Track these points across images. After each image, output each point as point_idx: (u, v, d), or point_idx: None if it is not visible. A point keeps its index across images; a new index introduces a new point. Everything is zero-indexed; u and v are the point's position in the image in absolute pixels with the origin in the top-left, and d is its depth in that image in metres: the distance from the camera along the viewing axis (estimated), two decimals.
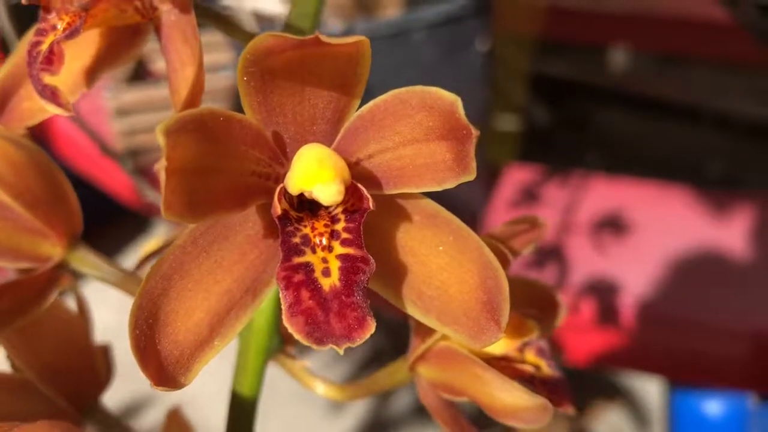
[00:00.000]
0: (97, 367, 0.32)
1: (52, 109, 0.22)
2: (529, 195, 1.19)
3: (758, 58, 0.91)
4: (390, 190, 0.20)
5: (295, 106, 0.19)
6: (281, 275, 0.18)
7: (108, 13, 0.22)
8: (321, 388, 0.28)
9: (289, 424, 1.23)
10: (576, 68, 2.05)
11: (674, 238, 1.03)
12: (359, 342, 0.17)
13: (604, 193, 1.17)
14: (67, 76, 0.24)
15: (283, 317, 0.17)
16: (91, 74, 0.25)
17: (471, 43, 0.87)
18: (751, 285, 0.96)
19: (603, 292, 0.96)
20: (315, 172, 0.18)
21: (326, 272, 0.18)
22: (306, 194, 0.18)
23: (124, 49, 0.25)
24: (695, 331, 0.92)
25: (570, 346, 0.98)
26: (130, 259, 1.65)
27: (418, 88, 0.18)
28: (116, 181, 1.30)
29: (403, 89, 0.18)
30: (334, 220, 0.19)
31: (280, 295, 0.18)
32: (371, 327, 0.17)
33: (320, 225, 0.18)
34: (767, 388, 0.92)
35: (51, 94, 0.22)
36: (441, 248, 0.20)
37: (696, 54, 1.89)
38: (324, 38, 0.16)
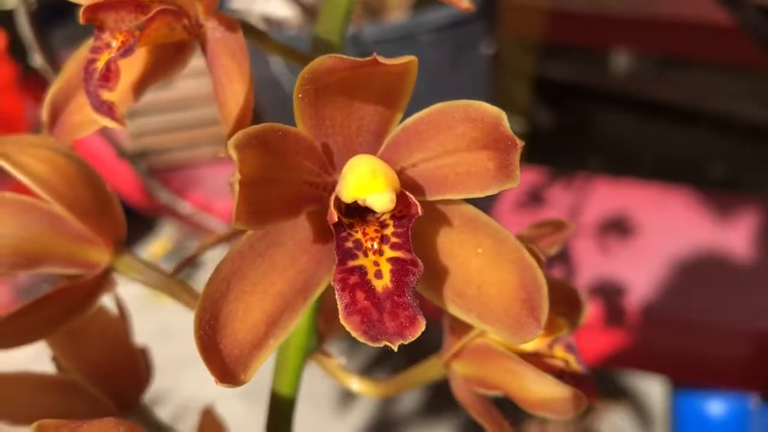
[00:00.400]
0: (137, 367, 0.33)
1: (108, 123, 0.23)
2: (534, 197, 1.20)
3: (759, 60, 0.92)
4: (432, 197, 0.21)
5: (344, 119, 0.21)
6: (338, 277, 0.19)
7: (159, 31, 0.24)
8: (356, 385, 0.29)
9: (297, 425, 1.24)
10: (579, 71, 2.06)
11: (677, 240, 1.04)
12: (411, 339, 0.18)
13: (607, 195, 1.18)
14: (118, 91, 0.25)
15: (341, 316, 0.19)
16: (140, 88, 0.26)
17: (476, 46, 0.89)
18: (753, 286, 0.97)
19: (606, 293, 0.97)
20: (369, 182, 0.19)
21: (378, 274, 0.19)
22: (360, 202, 0.19)
23: (170, 65, 0.26)
24: (698, 332, 0.93)
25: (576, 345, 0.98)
26: (142, 251, 1.67)
27: (462, 102, 0.19)
28: (123, 182, 1.31)
29: (447, 103, 0.20)
30: (383, 225, 0.20)
31: (337, 296, 0.19)
32: (422, 325, 0.19)
33: (371, 230, 0.20)
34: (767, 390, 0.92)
35: (108, 110, 0.23)
36: (480, 250, 0.21)
37: (697, 56, 1.90)
38: (381, 59, 0.18)
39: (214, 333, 0.20)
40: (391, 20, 0.85)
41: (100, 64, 0.23)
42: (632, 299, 0.95)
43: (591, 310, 0.96)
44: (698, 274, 1.00)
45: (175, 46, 0.26)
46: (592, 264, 1.02)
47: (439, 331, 0.27)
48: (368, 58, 0.18)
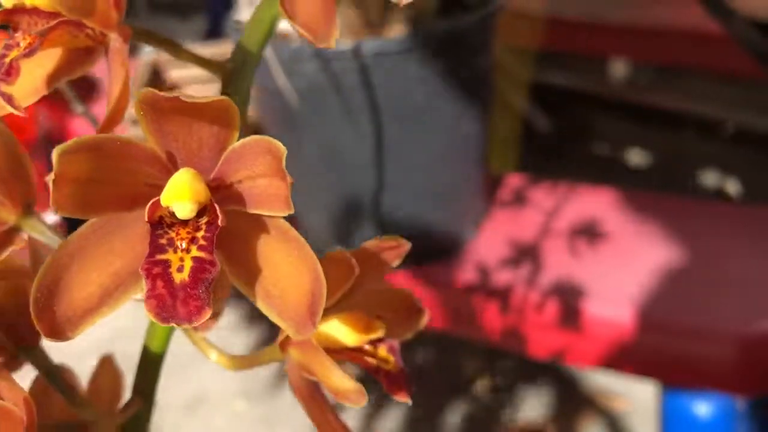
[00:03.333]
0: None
1: (9, 109, 0.28)
2: (527, 203, 1.23)
3: (754, 70, 0.95)
4: (252, 210, 0.26)
5: (185, 136, 0.25)
6: (144, 266, 0.23)
7: (63, 38, 0.28)
8: (214, 356, 0.34)
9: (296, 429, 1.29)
10: (576, 78, 2.07)
11: (662, 246, 1.07)
12: (196, 324, 0.23)
13: (598, 203, 1.20)
14: (30, 81, 0.30)
15: (144, 298, 0.23)
16: (51, 81, 0.31)
17: (474, 58, 0.92)
18: (738, 291, 1.00)
19: (596, 298, 1.00)
20: (177, 192, 0.23)
21: (180, 269, 0.24)
22: (170, 207, 0.24)
23: (79, 64, 0.31)
24: (684, 336, 0.96)
25: (566, 346, 1.02)
26: None
27: (266, 138, 0.24)
28: None
29: (260, 136, 0.24)
30: (196, 229, 0.24)
31: (144, 282, 0.23)
32: (207, 314, 0.23)
33: (184, 232, 0.24)
34: (754, 391, 0.95)
35: (8, 99, 0.27)
36: (288, 259, 0.26)
37: (693, 65, 1.90)
38: (184, 99, 0.22)
39: (51, 296, 0.25)
40: (391, 35, 0.88)
41: (8, 60, 0.28)
42: (622, 304, 0.98)
43: (579, 314, 0.99)
44: (686, 279, 1.03)
45: (85, 49, 0.30)
46: (582, 268, 1.05)
47: None
48: (173, 96, 0.22)
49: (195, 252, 0.24)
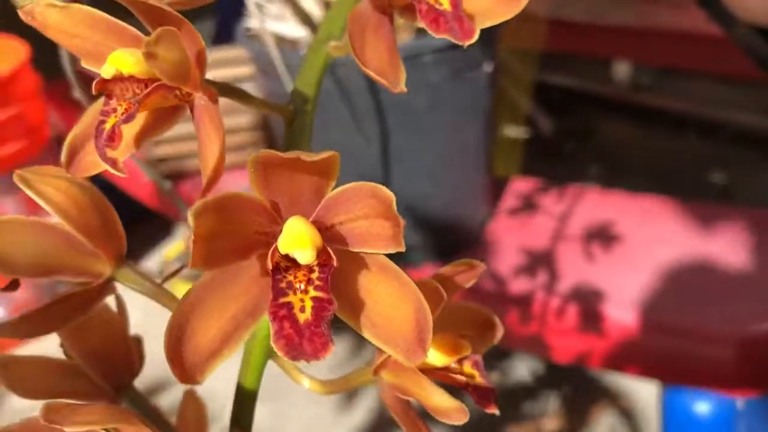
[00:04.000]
0: (131, 355, 0.40)
1: (112, 171, 0.30)
2: (531, 206, 1.25)
3: (755, 71, 0.97)
4: (354, 248, 0.28)
5: (288, 186, 0.27)
6: (271, 310, 0.26)
7: (156, 101, 0.30)
8: (306, 383, 0.36)
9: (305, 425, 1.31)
10: (580, 79, 2.09)
11: (666, 249, 1.09)
12: (323, 359, 0.25)
13: (600, 206, 1.22)
14: (123, 143, 0.32)
15: (272, 339, 0.25)
16: (140, 139, 0.33)
17: (478, 64, 0.94)
18: (738, 293, 1.02)
19: (599, 299, 1.02)
20: (297, 240, 0.25)
21: (302, 309, 0.26)
22: (290, 254, 0.26)
23: (165, 122, 0.33)
24: (685, 337, 0.98)
25: (573, 348, 1.04)
26: (155, 256, 1.76)
27: (371, 183, 0.26)
28: (141, 187, 1.39)
29: (361, 183, 0.26)
30: (311, 271, 0.26)
31: (270, 324, 0.25)
32: (331, 349, 0.25)
33: (300, 274, 0.26)
34: (753, 391, 0.98)
35: (112, 163, 0.30)
36: (389, 291, 0.28)
37: (695, 67, 1.91)
38: (304, 157, 0.24)
39: (180, 344, 0.27)
40: (397, 42, 0.90)
41: (107, 126, 0.30)
42: (624, 305, 1.00)
43: (585, 316, 1.01)
44: (686, 282, 1.05)
45: (171, 108, 0.33)
46: (579, 271, 1.07)
47: None
48: (294, 156, 0.24)
49: (313, 292, 0.26)
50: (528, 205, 1.25)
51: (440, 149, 0.98)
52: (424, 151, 0.96)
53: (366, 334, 0.28)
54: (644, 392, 1.30)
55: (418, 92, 0.89)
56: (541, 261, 1.09)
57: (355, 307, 0.28)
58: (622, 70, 2.01)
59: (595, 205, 1.21)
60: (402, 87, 0.31)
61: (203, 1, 0.38)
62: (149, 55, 0.26)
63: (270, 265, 0.26)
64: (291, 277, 0.26)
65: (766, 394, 0.94)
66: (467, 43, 0.30)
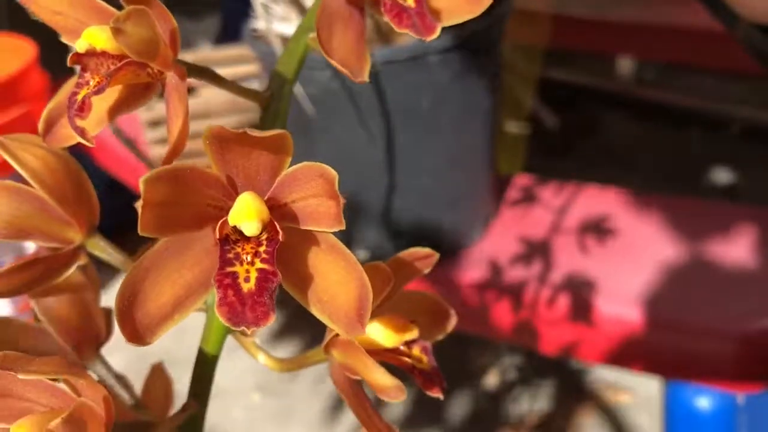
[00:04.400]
0: (98, 324, 0.41)
1: (82, 141, 0.31)
2: (534, 203, 1.25)
3: (758, 67, 0.98)
4: (304, 226, 0.29)
5: (244, 163, 0.28)
6: (216, 278, 0.27)
7: (127, 77, 0.32)
8: (262, 358, 0.37)
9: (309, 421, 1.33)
10: (584, 74, 2.08)
11: (668, 246, 1.10)
12: (263, 327, 0.26)
13: (603, 203, 1.23)
14: (95, 114, 0.33)
15: (215, 306, 0.27)
16: (113, 113, 0.34)
17: (483, 63, 0.95)
18: (739, 290, 1.03)
19: (603, 295, 1.03)
20: (244, 213, 0.27)
21: (247, 279, 0.27)
22: (238, 226, 0.27)
23: (139, 98, 0.34)
24: (687, 333, 0.99)
25: (575, 342, 1.05)
26: None
27: (318, 164, 0.27)
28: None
29: (310, 164, 0.28)
30: (258, 244, 0.28)
31: (215, 292, 0.27)
32: (272, 317, 0.27)
33: (248, 247, 0.28)
34: (753, 386, 0.98)
35: (81, 132, 0.31)
36: (336, 269, 0.29)
37: (699, 62, 1.90)
38: (251, 133, 0.25)
39: (131, 305, 0.28)
40: (401, 43, 0.91)
41: (79, 97, 0.31)
42: (626, 302, 1.01)
43: (587, 310, 1.02)
44: (688, 278, 1.06)
45: (144, 85, 0.34)
46: (582, 267, 1.08)
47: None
48: (242, 131, 0.26)
49: (259, 264, 0.27)
50: (531, 203, 1.26)
51: (444, 148, 0.99)
52: (429, 150, 0.97)
53: (312, 309, 0.29)
54: (646, 386, 1.31)
55: (422, 92, 0.90)
56: (543, 256, 1.10)
57: (303, 283, 0.29)
58: (625, 65, 2.01)
59: (597, 202, 1.22)
60: (365, 77, 0.33)
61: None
62: (117, 31, 0.28)
63: (218, 235, 0.27)
64: (239, 249, 0.28)
65: (766, 390, 0.95)
66: (428, 38, 0.31)
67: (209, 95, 1.39)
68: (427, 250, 0.35)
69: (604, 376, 1.37)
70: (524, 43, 1.61)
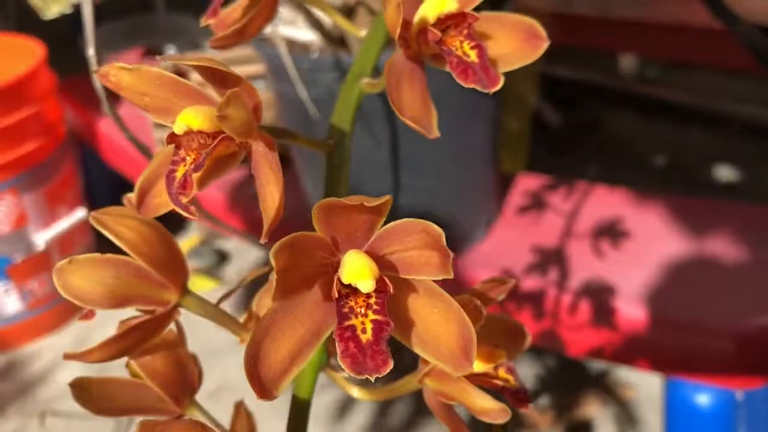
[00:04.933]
0: (191, 372, 0.44)
1: (185, 215, 0.34)
2: (537, 203, 1.29)
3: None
4: (404, 275, 0.32)
5: (345, 224, 0.31)
6: (337, 333, 0.30)
7: (220, 151, 0.34)
8: (356, 392, 0.40)
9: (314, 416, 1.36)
10: (587, 72, 2.11)
11: (669, 245, 1.13)
12: (383, 374, 0.29)
13: (605, 203, 1.26)
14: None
15: (339, 358, 0.29)
16: (204, 182, 0.37)
17: None
18: (737, 288, 1.06)
19: (602, 294, 1.06)
20: (358, 272, 0.29)
21: (363, 330, 0.30)
22: (353, 284, 0.30)
23: (225, 166, 0.37)
24: (686, 331, 1.02)
25: (574, 342, 1.08)
26: None
27: (419, 220, 0.30)
28: None
29: (410, 220, 0.30)
30: (369, 297, 0.30)
31: (337, 344, 0.30)
32: (390, 365, 0.29)
33: (360, 300, 0.30)
34: (751, 383, 1.02)
35: (185, 208, 0.34)
36: (435, 311, 0.32)
37: (700, 60, 1.92)
38: (366, 203, 0.28)
39: (256, 364, 0.31)
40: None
41: (178, 175, 0.34)
42: (627, 300, 1.03)
43: (587, 310, 1.05)
44: (688, 276, 1.09)
45: (230, 153, 0.37)
46: (584, 266, 1.11)
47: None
48: (358, 202, 0.28)
49: (372, 315, 0.30)
50: (534, 202, 1.29)
51: (448, 149, 1.02)
52: (432, 151, 0.99)
53: (415, 349, 0.32)
54: (648, 382, 1.34)
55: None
56: (546, 256, 1.13)
57: (405, 327, 0.32)
58: (628, 62, 2.05)
59: (599, 201, 1.25)
60: (435, 132, 0.35)
61: (243, 41, 0.43)
62: (222, 118, 0.30)
63: (335, 294, 0.30)
64: (352, 303, 0.30)
65: (764, 386, 0.98)
66: (493, 90, 0.34)
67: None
68: (502, 279, 0.38)
69: (606, 371, 1.40)
70: None
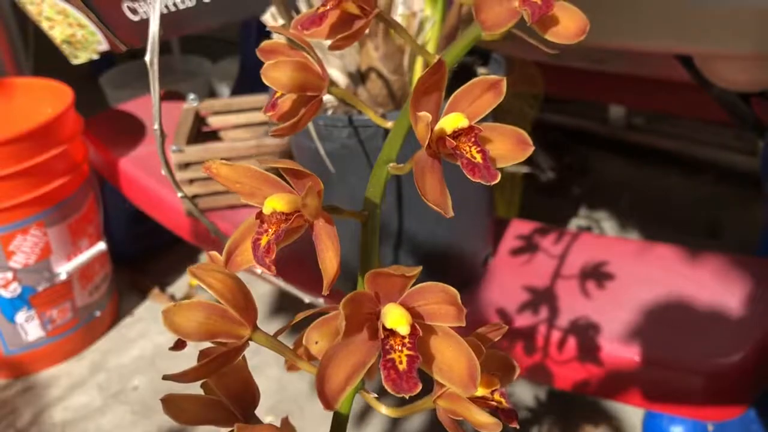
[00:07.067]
0: (253, 390, 0.56)
1: (267, 272, 0.46)
2: (528, 246, 1.41)
3: None
4: (428, 322, 0.44)
5: (386, 284, 0.43)
6: (382, 363, 0.42)
7: (293, 225, 0.47)
8: (384, 409, 0.52)
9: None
10: (578, 119, 2.24)
11: (650, 289, 1.25)
12: (415, 393, 0.41)
13: (592, 248, 1.38)
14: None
15: (383, 381, 0.41)
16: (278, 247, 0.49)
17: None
18: (708, 330, 1.18)
19: (587, 333, 1.18)
20: (398, 320, 0.42)
21: (400, 362, 0.42)
22: (394, 329, 0.42)
23: (293, 235, 0.49)
24: (662, 368, 1.14)
25: (561, 376, 1.19)
26: (181, 281, 1.93)
27: (440, 284, 0.42)
28: (170, 215, 1.55)
29: (433, 283, 0.43)
30: (404, 337, 0.43)
31: (381, 372, 0.42)
32: (420, 386, 0.41)
33: (398, 340, 0.42)
34: (721, 415, 1.13)
35: (269, 268, 0.46)
36: (450, 348, 0.44)
37: (686, 112, 2.04)
38: (406, 273, 0.40)
39: (323, 383, 0.43)
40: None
41: (263, 243, 0.46)
42: (608, 338, 1.15)
43: (572, 346, 1.17)
44: (665, 317, 1.21)
45: (298, 227, 0.49)
46: (575, 306, 1.23)
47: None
48: (401, 272, 0.41)
49: (406, 351, 0.42)
50: (527, 246, 1.41)
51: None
52: None
53: (436, 377, 0.44)
54: (627, 414, 1.46)
55: None
56: (537, 296, 1.25)
57: (429, 359, 0.44)
58: (617, 112, 2.19)
59: (585, 246, 1.37)
60: (451, 212, 0.48)
61: (297, 131, 0.55)
62: (303, 205, 0.43)
63: (381, 335, 0.42)
64: (392, 342, 0.42)
65: (733, 419, 1.10)
66: (493, 183, 0.47)
67: (233, 136, 1.57)
68: (498, 325, 0.50)
69: (588, 402, 1.52)
70: (521, 91, 1.76)
